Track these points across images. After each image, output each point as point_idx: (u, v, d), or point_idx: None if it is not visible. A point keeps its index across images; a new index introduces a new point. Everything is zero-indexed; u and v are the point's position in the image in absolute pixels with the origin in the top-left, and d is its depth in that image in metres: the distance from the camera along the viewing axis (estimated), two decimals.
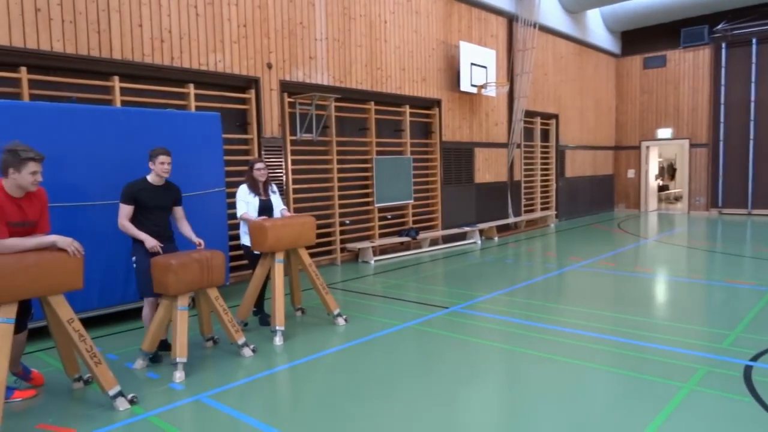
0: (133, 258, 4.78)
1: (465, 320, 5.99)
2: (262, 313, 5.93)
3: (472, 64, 11.55)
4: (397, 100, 10.55)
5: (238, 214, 5.70)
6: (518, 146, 13.64)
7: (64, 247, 3.79)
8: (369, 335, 5.49)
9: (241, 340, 4.92)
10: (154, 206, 4.78)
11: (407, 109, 10.68)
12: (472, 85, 11.60)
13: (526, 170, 14.27)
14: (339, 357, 4.98)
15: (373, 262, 9.57)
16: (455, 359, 4.78)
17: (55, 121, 5.56)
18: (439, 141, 11.43)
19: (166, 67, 7.26)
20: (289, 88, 8.72)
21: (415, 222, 11.12)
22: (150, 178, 4.83)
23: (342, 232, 9.71)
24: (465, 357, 4.84)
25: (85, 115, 5.81)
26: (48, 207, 4.04)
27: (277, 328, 5.29)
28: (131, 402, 3.96)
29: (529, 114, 13.97)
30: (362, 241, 9.91)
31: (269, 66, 8.40)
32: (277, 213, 5.93)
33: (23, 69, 6.07)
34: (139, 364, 4.72)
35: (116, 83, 6.77)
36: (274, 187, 6.07)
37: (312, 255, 9.09)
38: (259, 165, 5.83)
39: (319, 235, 9.26)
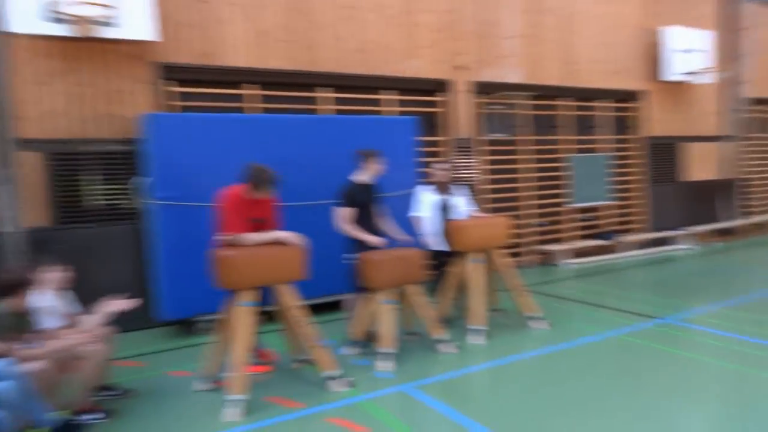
0: (349, 255, 5.16)
1: (678, 333, 5.47)
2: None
3: (677, 49, 10.44)
4: (591, 95, 9.97)
5: (416, 214, 5.85)
6: (739, 139, 11.99)
7: (290, 242, 4.26)
8: (570, 342, 5.27)
9: (441, 336, 5.07)
10: (367, 203, 5.12)
11: (602, 104, 10.05)
12: (679, 73, 10.50)
13: (751, 166, 12.41)
14: (540, 362, 4.87)
15: (567, 265, 9.17)
16: (668, 377, 4.37)
17: (277, 131, 6.29)
18: (639, 136, 10.55)
19: (366, 76, 7.77)
20: (479, 88, 8.75)
21: (612, 224, 10.41)
22: (360, 177, 5.17)
23: (532, 234, 9.47)
24: (681, 375, 4.41)
25: (300, 124, 6.48)
26: (277, 206, 4.58)
27: (477, 327, 5.35)
28: (346, 385, 4.31)
29: (761, 101, 12.18)
30: (555, 243, 9.55)
31: (459, 68, 8.52)
32: (459, 214, 5.96)
33: (250, 86, 6.96)
34: (349, 351, 5.11)
35: (325, 94, 7.43)
36: (461, 189, 6.10)
37: None
38: (441, 165, 5.95)
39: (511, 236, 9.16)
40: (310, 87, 7.47)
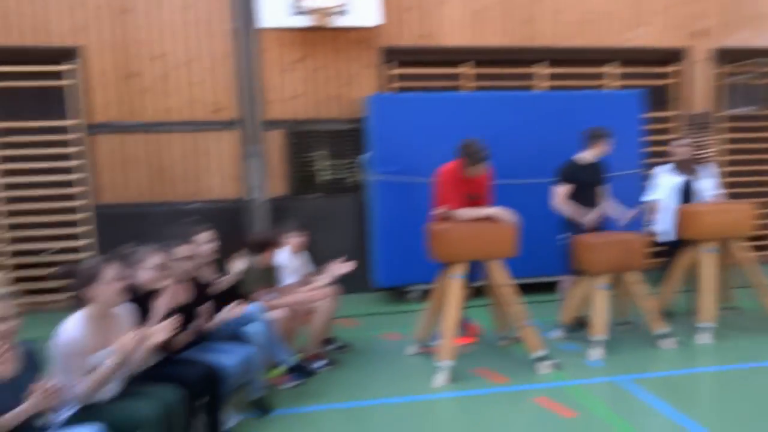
0: (563, 235, 4.99)
1: None
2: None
3: None
4: None
5: (651, 198, 5.36)
6: None
7: (503, 219, 4.27)
8: None
9: (661, 330, 4.66)
10: (588, 184, 4.90)
11: None
12: None
13: None
14: None
15: None
16: None
17: (492, 108, 6.29)
18: None
19: (586, 49, 7.32)
20: (721, 56, 7.65)
21: None
22: (583, 157, 4.95)
23: None
24: None
25: (515, 101, 6.39)
26: (491, 183, 4.61)
27: (705, 324, 4.80)
28: (553, 367, 4.23)
29: None
30: None
31: (698, 34, 7.54)
32: (703, 198, 5.35)
33: (466, 65, 7.04)
34: (557, 334, 4.98)
35: (541, 70, 7.20)
36: (707, 170, 5.46)
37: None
38: (682, 142, 5.37)
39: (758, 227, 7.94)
40: (527, 63, 7.28)
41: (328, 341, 4.85)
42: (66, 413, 2.65)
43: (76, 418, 2.59)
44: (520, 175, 6.15)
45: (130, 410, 2.66)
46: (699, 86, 7.63)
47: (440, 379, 4.10)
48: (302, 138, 6.90)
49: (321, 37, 6.79)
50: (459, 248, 4.22)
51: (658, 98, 7.71)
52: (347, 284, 6.21)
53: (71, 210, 6.44)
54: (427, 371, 4.24)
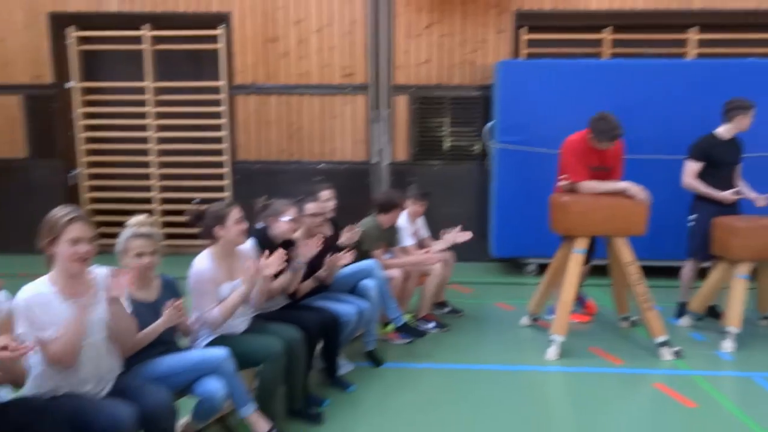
0: (692, 216, 4.64)
1: None
2: None
3: None
4: None
5: None
6: None
7: (634, 195, 4.03)
8: None
9: None
10: (724, 162, 4.48)
11: None
12: None
13: None
14: None
15: None
16: None
17: (630, 77, 5.87)
18: None
19: (753, 12, 6.53)
20: None
21: None
22: (720, 132, 4.52)
23: None
24: None
25: (657, 70, 5.90)
26: (622, 156, 4.35)
27: None
28: (676, 354, 3.99)
29: None
30: None
31: None
32: None
33: (606, 30, 6.61)
34: (685, 321, 4.67)
35: (692, 35, 6.56)
36: None
37: None
38: None
39: None
40: (674, 28, 6.67)
41: (441, 305, 4.95)
42: (203, 341, 2.99)
43: (211, 345, 2.91)
44: (658, 150, 5.72)
45: (257, 344, 2.94)
46: None
47: (552, 352, 4.03)
48: (428, 104, 6.92)
49: (452, 2, 6.71)
50: (581, 221, 4.06)
51: None
52: (465, 252, 6.24)
53: (215, 164, 7.05)
54: (539, 344, 4.18)
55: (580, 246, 4.10)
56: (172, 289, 2.85)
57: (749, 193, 4.57)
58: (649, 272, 5.94)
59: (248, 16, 6.84)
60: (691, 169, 4.54)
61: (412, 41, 6.83)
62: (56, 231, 2.28)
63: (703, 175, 4.53)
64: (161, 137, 7.05)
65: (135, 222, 2.77)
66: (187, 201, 7.04)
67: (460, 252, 5.41)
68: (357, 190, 6.41)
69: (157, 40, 6.93)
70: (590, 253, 4.49)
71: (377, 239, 4.34)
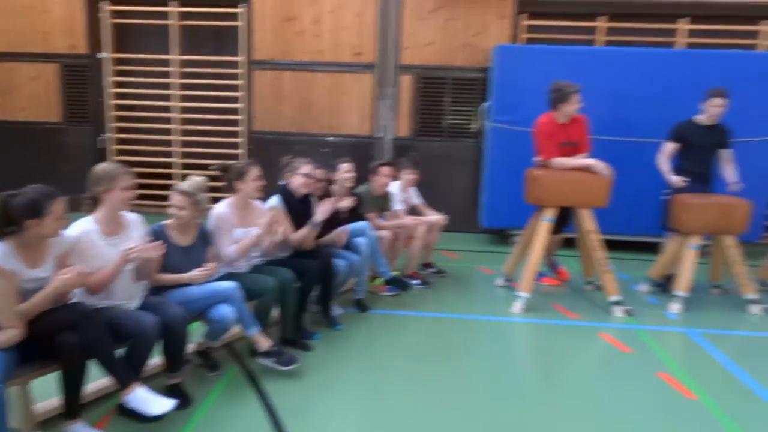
0: (666, 191, 5.06)
1: None
2: None
3: None
4: None
5: None
6: None
7: (598, 171, 4.54)
8: None
9: (750, 296, 4.70)
10: (699, 146, 4.93)
11: None
12: None
13: None
14: None
15: None
16: None
17: (621, 65, 6.31)
18: None
19: (734, 4, 6.89)
20: None
21: None
22: (699, 118, 4.96)
23: None
24: None
25: (646, 58, 6.34)
26: (588, 132, 4.83)
27: None
28: (626, 312, 4.54)
29: None
30: None
31: None
32: None
33: (601, 18, 7.02)
34: (643, 288, 5.21)
35: (682, 25, 6.95)
36: None
37: None
38: None
39: None
40: (669, 18, 7.05)
41: (427, 266, 5.54)
42: (215, 277, 3.61)
43: (221, 279, 3.53)
44: (648, 134, 6.11)
45: (258, 281, 3.55)
46: None
47: (517, 306, 4.61)
48: (431, 84, 7.42)
49: None
50: (551, 193, 4.60)
51: None
52: (458, 223, 6.86)
53: (232, 134, 7.65)
54: (509, 300, 4.76)
55: (549, 215, 4.64)
56: (205, 237, 3.46)
57: (729, 177, 4.99)
58: (632, 247, 6.53)
59: None
60: (664, 148, 5.01)
61: (419, 24, 7.31)
62: (112, 180, 2.89)
63: (680, 156, 4.99)
64: (184, 107, 7.66)
65: (187, 182, 3.33)
66: (205, 167, 7.70)
67: (454, 222, 6.00)
68: (362, 162, 6.93)
69: (183, 16, 7.50)
70: (563, 225, 5.03)
71: (371, 204, 4.92)
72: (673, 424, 3.02)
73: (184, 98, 7.66)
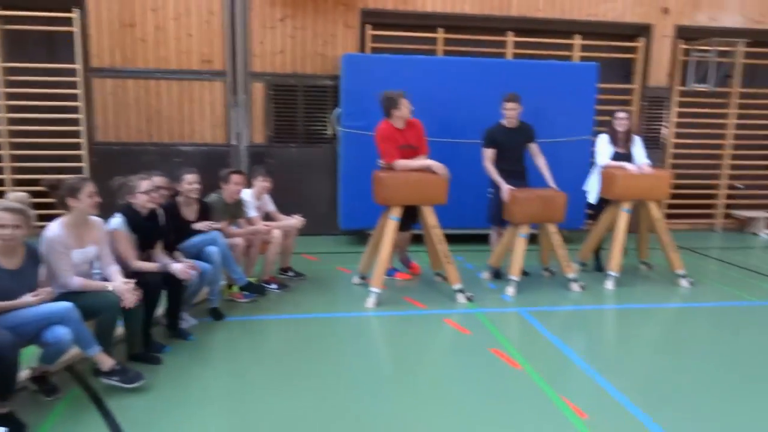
0: (490, 190, 5.64)
1: None
2: (597, 260, 6.10)
3: None
4: None
5: (598, 162, 5.90)
6: None
7: (436, 171, 4.93)
8: (703, 303, 5.18)
9: (571, 275, 5.36)
10: (508, 146, 5.50)
11: None
12: None
13: None
14: (659, 314, 4.99)
15: (765, 235, 8.30)
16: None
17: (456, 73, 6.87)
18: None
19: (555, 20, 7.79)
20: (686, 33, 8.09)
21: None
22: (503, 121, 5.54)
23: (729, 197, 8.68)
24: None
25: (477, 67, 6.96)
26: (424, 134, 5.21)
27: (611, 273, 5.50)
28: (468, 299, 4.97)
29: None
30: (754, 210, 8.63)
31: (665, 11, 7.98)
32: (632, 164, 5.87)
33: (440, 30, 7.57)
34: (486, 275, 5.72)
35: (509, 38, 7.71)
36: (638, 140, 5.93)
37: (685, 216, 8.52)
38: (619, 114, 5.79)
39: (697, 197, 8.57)
40: (499, 31, 7.76)
41: (286, 270, 5.61)
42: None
43: (56, 299, 3.35)
44: (472, 135, 6.70)
45: (96, 298, 3.40)
46: (662, 62, 8.12)
47: (370, 301, 4.85)
48: (283, 91, 7.51)
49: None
50: (394, 193, 4.90)
51: (622, 71, 8.22)
52: (318, 226, 7.01)
53: (72, 146, 7.12)
54: (364, 296, 4.98)
55: (395, 214, 4.94)
56: (35, 258, 3.25)
57: (544, 172, 5.58)
58: (472, 239, 7.09)
59: (103, 0, 7.00)
60: (485, 154, 5.52)
61: (268, 32, 7.37)
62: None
63: (497, 157, 5.51)
64: (12, 118, 7.02)
65: (10, 197, 3.09)
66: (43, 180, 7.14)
67: (314, 226, 6.14)
68: (217, 171, 6.86)
69: (9, 20, 6.88)
70: (411, 222, 5.37)
71: (222, 212, 4.90)
72: (499, 390, 3.42)
73: (12, 109, 7.02)
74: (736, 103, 8.36)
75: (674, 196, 8.15)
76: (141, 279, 3.69)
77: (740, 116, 8.42)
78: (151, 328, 3.87)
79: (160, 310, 4.06)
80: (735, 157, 8.54)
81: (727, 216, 8.72)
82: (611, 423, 3.06)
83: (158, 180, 4.33)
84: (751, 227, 8.55)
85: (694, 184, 8.54)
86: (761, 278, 6.04)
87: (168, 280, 3.94)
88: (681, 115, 8.31)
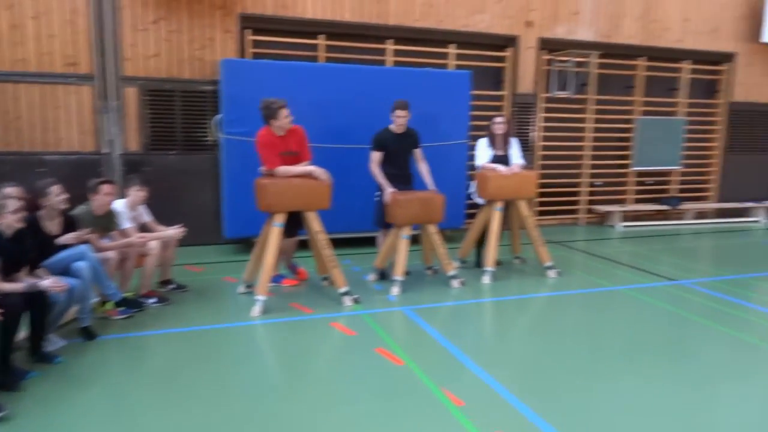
0: (377, 193, 5.78)
1: (684, 294, 5.61)
2: (478, 257, 6.47)
3: None
4: (675, 55, 9.59)
5: (477, 164, 6.23)
6: None
7: (318, 176, 4.97)
8: (571, 290, 5.66)
9: (451, 272, 5.64)
10: (395, 151, 5.67)
11: (687, 65, 9.66)
12: None
13: None
14: (531, 302, 5.42)
15: (620, 227, 9.22)
16: (665, 332, 4.64)
17: (337, 80, 6.96)
18: (727, 101, 10.04)
19: (431, 30, 8.15)
20: (548, 45, 8.80)
21: (680, 191, 10.15)
22: (392, 127, 5.73)
23: (590, 194, 9.55)
24: (675, 333, 4.64)
25: (358, 74, 7.10)
26: (306, 140, 5.24)
27: (487, 268, 5.85)
28: (354, 301, 5.07)
29: None
30: (611, 205, 9.57)
31: (529, 24, 8.62)
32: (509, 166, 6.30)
33: (321, 37, 7.64)
34: (372, 277, 5.85)
35: (389, 46, 7.94)
36: (514, 142, 6.31)
37: (553, 213, 9.26)
38: (497, 119, 6.18)
39: (563, 194, 9.34)
40: (378, 39, 7.97)
41: (166, 282, 5.39)
42: None
43: None
44: (361, 141, 6.83)
45: None
46: (527, 70, 8.76)
47: (256, 310, 4.79)
48: (159, 96, 7.19)
49: (177, 0, 7.07)
50: (277, 200, 4.89)
51: (494, 79, 8.77)
52: (201, 236, 6.81)
53: None
54: (250, 305, 4.90)
55: (278, 220, 4.93)
56: None
57: (425, 175, 5.79)
58: (358, 242, 7.24)
59: None
60: (373, 157, 5.66)
61: (139, 35, 7.03)
62: None
63: (384, 161, 5.68)
64: None
65: None
66: None
67: (197, 235, 5.92)
68: (87, 181, 6.43)
69: None
70: (296, 229, 5.36)
71: (91, 225, 4.61)
72: (383, 387, 3.53)
73: None
74: (593, 108, 9.24)
75: (543, 195, 8.89)
76: (4, 303, 3.41)
77: (596, 120, 9.32)
78: (11, 353, 3.56)
79: (22, 333, 3.75)
80: (593, 157, 9.43)
81: (589, 211, 9.58)
82: (485, 407, 3.27)
83: (13, 191, 4.01)
84: (608, 220, 9.46)
85: (560, 183, 9.32)
86: (617, 266, 6.72)
87: (32, 300, 3.65)
88: (547, 120, 9.03)
